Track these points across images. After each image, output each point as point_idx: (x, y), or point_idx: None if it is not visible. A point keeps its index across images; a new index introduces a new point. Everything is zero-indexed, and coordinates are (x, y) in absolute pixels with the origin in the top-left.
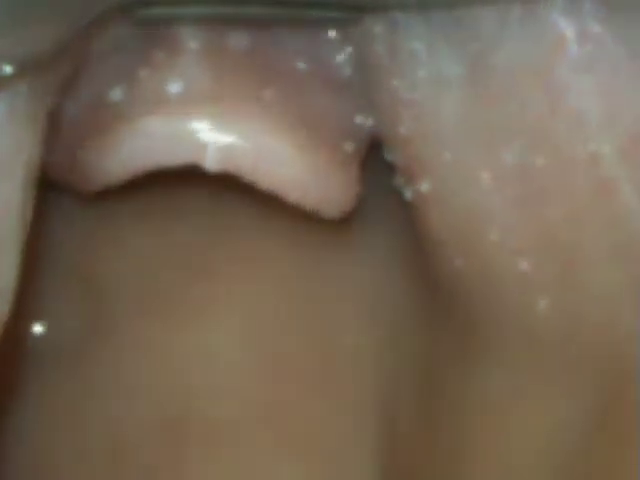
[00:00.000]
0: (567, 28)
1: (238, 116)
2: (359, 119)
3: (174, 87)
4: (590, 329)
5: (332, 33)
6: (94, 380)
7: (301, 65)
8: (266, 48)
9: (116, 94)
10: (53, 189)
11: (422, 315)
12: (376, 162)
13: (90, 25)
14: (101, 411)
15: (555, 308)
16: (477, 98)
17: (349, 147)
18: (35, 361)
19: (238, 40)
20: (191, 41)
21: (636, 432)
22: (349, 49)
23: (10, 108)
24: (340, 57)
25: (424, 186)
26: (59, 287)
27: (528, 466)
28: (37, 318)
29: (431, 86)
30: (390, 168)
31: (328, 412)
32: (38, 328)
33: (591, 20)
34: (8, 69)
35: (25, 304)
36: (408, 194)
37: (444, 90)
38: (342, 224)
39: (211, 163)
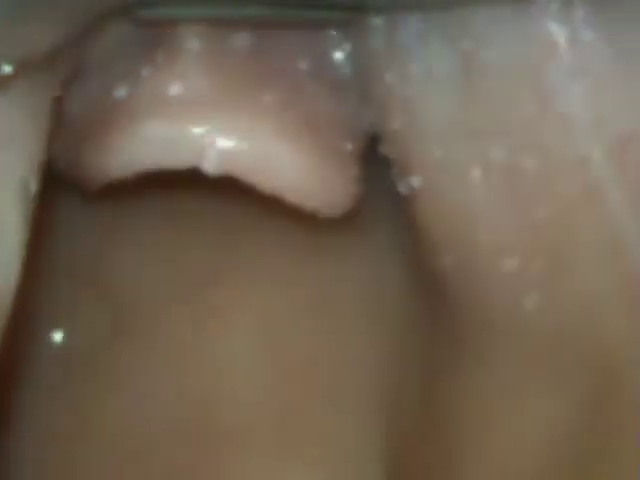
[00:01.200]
0: (559, 33)
1: (238, 119)
2: (358, 118)
3: (175, 89)
4: (577, 330)
5: (332, 32)
6: (111, 384)
7: (302, 65)
8: (267, 49)
9: (118, 94)
10: (70, 193)
11: (423, 314)
12: (376, 159)
13: (90, 25)
14: (118, 414)
15: (541, 308)
16: (468, 96)
17: (349, 146)
18: (53, 365)
19: (239, 41)
20: (192, 42)
21: (626, 431)
22: (349, 47)
23: (12, 106)
24: (340, 55)
25: (416, 181)
26: (76, 291)
27: (522, 466)
28: (54, 322)
29: (424, 82)
30: (387, 163)
31: (336, 415)
32: (56, 333)
33: (583, 26)
34: (8, 69)
35: (41, 308)
36: (402, 188)
37: (436, 86)
38: (343, 223)
39: (211, 166)
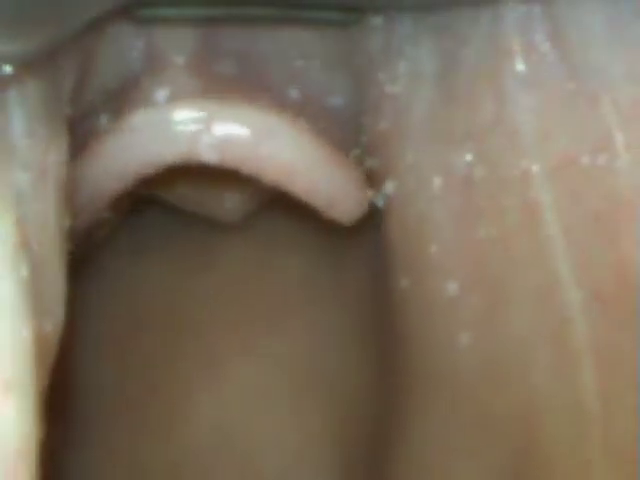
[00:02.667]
0: (517, 41)
1: (233, 102)
2: (352, 143)
3: (161, 93)
4: (506, 377)
5: (319, 62)
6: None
7: (293, 93)
8: (253, 77)
9: (102, 120)
10: None
11: (376, 352)
12: None
13: (90, 25)
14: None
15: (475, 345)
16: (445, 96)
17: (355, 152)
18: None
19: (225, 67)
20: (178, 60)
21: None
22: (340, 75)
23: (25, 109)
24: (332, 85)
25: (389, 188)
26: None
27: None
28: None
29: (410, 81)
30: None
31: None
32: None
33: (538, 36)
34: (8, 69)
35: None
36: (379, 201)
37: (420, 86)
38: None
39: (209, 154)
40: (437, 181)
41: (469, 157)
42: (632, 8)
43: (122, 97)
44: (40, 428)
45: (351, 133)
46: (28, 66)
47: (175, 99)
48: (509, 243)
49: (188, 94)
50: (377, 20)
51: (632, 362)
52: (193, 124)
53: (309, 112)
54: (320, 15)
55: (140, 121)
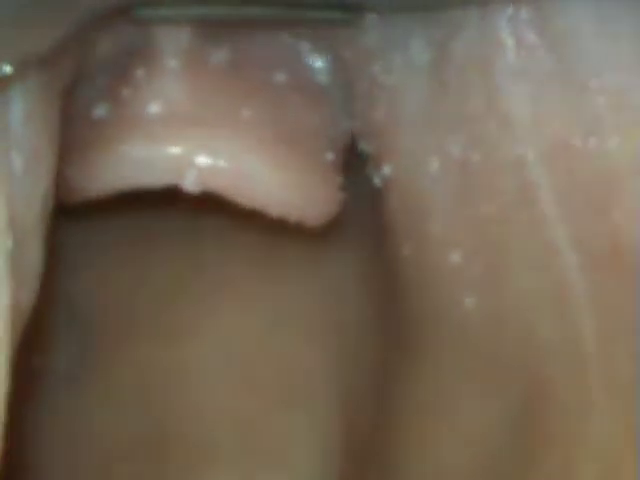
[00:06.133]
0: (507, 33)
1: (217, 136)
2: (338, 127)
3: (154, 107)
4: (511, 333)
5: (307, 43)
6: (82, 399)
7: (280, 77)
8: (244, 64)
9: (98, 113)
10: None
11: (377, 317)
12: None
13: (90, 25)
14: (88, 426)
15: (480, 307)
16: (438, 86)
17: (330, 156)
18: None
19: (217, 57)
20: (171, 60)
21: (555, 439)
22: (327, 57)
23: (25, 108)
24: (318, 65)
25: (387, 170)
26: (47, 312)
27: (459, 466)
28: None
29: (403, 72)
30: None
31: (295, 421)
32: (36, 354)
33: (528, 29)
34: (8, 69)
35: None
36: (377, 181)
37: (413, 77)
38: (315, 241)
39: (191, 184)
40: (434, 164)
41: (464, 141)
42: (618, 2)
43: (116, 103)
44: (8, 383)
45: (337, 116)
46: (29, 63)
47: (166, 118)
48: (507, 218)
49: (179, 110)
50: (373, 16)
51: (628, 313)
52: (178, 158)
53: (294, 99)
54: (320, 15)
55: (129, 150)
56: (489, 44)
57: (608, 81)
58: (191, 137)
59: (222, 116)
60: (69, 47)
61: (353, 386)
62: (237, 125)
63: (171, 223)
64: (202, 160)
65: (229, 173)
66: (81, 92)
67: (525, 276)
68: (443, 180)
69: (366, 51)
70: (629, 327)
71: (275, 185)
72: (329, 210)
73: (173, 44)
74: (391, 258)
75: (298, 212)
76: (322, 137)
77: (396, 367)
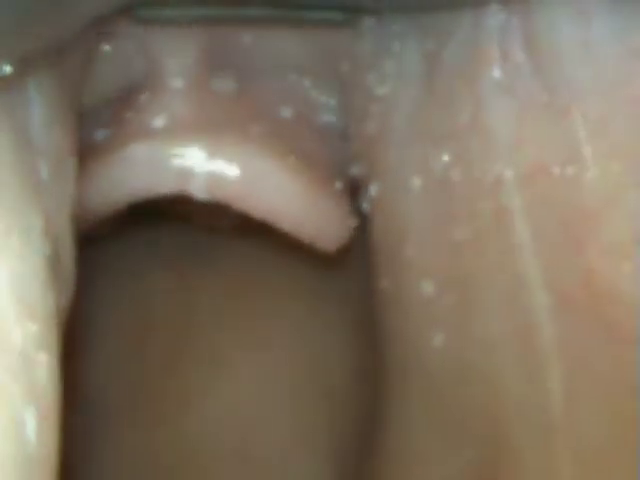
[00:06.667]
0: (494, 48)
1: (226, 142)
2: (344, 161)
3: (158, 121)
4: (476, 379)
5: (313, 79)
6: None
7: (285, 112)
8: (250, 94)
9: (100, 135)
10: None
11: (363, 361)
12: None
13: (90, 25)
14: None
15: (447, 347)
16: (426, 97)
17: (338, 185)
18: None
19: (223, 84)
20: (175, 81)
21: None
22: (334, 94)
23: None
24: (323, 102)
25: (374, 190)
26: None
27: None
28: None
29: (396, 81)
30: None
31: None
32: None
33: (515, 46)
34: (8, 69)
35: None
36: (365, 206)
37: (405, 86)
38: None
39: (199, 191)
40: (417, 182)
41: (447, 158)
42: (602, 27)
43: (120, 114)
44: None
45: (341, 149)
46: (40, 63)
47: (171, 129)
48: (481, 246)
49: (185, 123)
50: (370, 20)
51: (598, 366)
52: (185, 164)
53: (301, 131)
54: (319, 16)
55: (134, 155)
56: (477, 57)
57: (589, 108)
58: (199, 141)
59: (229, 127)
60: (73, 48)
61: (343, 434)
62: (245, 135)
63: (180, 241)
64: (209, 165)
65: (238, 179)
66: (85, 122)
67: (494, 313)
68: (423, 200)
69: (362, 59)
70: (599, 385)
71: (286, 193)
72: (342, 234)
73: (178, 68)
74: (373, 291)
75: (313, 229)
76: (331, 167)
77: (377, 414)
